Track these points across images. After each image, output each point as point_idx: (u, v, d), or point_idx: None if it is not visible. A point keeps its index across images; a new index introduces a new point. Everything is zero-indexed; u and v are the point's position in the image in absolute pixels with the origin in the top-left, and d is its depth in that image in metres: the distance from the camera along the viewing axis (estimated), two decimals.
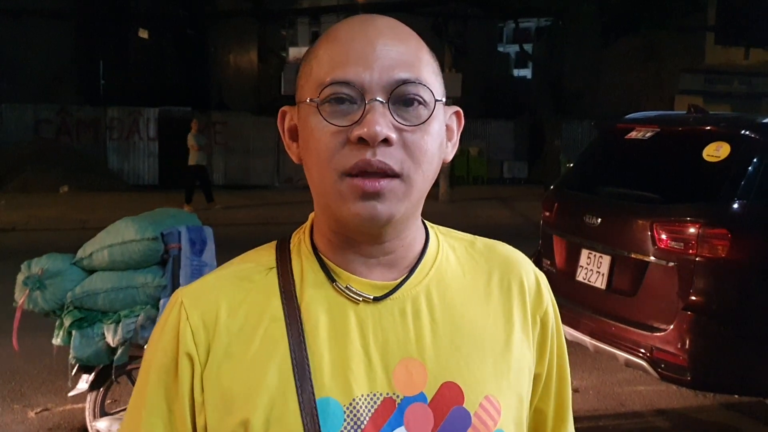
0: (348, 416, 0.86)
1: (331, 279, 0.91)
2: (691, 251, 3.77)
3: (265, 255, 0.96)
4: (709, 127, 4.23)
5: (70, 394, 3.79)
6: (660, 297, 3.92)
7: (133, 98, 19.39)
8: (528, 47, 29.62)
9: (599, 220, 4.32)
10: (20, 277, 3.41)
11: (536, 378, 1.01)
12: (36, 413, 4.46)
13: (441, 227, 1.02)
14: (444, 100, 0.91)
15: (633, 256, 4.07)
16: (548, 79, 20.10)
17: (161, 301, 3.40)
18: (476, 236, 1.04)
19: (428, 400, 0.88)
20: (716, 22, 19.93)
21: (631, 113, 5.05)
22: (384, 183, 0.83)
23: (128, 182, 17.74)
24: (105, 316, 3.41)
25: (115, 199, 14.25)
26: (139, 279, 3.39)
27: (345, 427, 0.85)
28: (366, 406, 0.86)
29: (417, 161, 0.85)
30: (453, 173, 17.68)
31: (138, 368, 3.43)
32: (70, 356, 3.44)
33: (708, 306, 3.80)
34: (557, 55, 20.85)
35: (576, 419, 1.10)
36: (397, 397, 0.87)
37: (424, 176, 0.87)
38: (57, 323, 3.46)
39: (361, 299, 0.90)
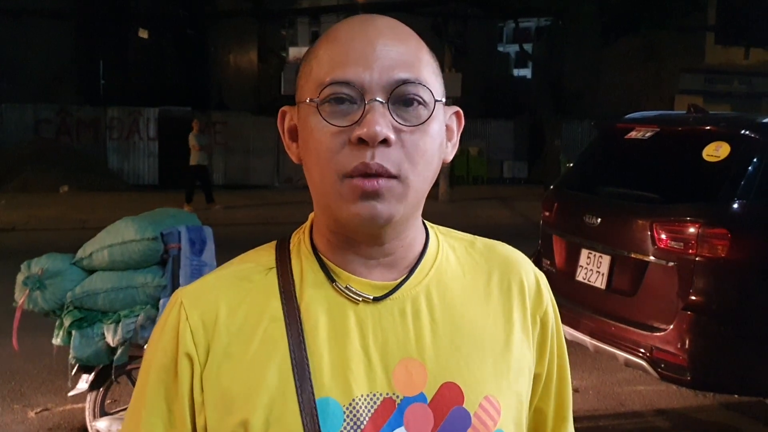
0: (348, 416, 0.86)
1: (331, 279, 0.91)
2: (690, 251, 3.77)
3: (264, 255, 0.96)
4: (709, 127, 4.23)
5: (70, 393, 3.79)
6: (660, 297, 3.92)
7: (133, 98, 19.39)
8: (528, 47, 29.61)
9: (599, 220, 4.32)
10: (20, 277, 3.41)
11: (536, 378, 1.01)
12: (36, 413, 4.46)
13: (441, 227, 1.02)
14: (444, 100, 0.91)
15: (633, 256, 4.07)
16: (548, 79, 20.09)
17: (161, 301, 3.40)
18: (476, 236, 1.04)
19: (428, 401, 0.88)
20: (716, 21, 19.95)
21: (631, 113, 5.05)
22: (382, 182, 0.83)
23: (128, 182, 17.74)
24: (105, 316, 3.41)
25: (115, 199, 14.25)
26: (139, 279, 3.39)
27: (345, 428, 0.85)
28: (366, 407, 0.86)
29: (415, 162, 0.85)
30: (453, 173, 17.68)
31: (138, 368, 3.43)
32: (70, 356, 3.44)
33: (708, 306, 3.80)
34: (557, 55, 20.84)
35: (576, 419, 1.10)
36: (397, 397, 0.87)
37: (423, 177, 0.87)
38: (57, 323, 3.46)
39: (360, 299, 0.90)
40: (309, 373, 0.86)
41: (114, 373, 3.52)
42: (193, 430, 0.90)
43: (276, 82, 21.87)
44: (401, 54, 0.86)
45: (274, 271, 0.93)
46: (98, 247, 3.41)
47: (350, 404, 0.86)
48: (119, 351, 3.42)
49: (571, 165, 6.18)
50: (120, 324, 3.38)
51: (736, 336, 3.87)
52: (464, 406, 0.89)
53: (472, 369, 0.91)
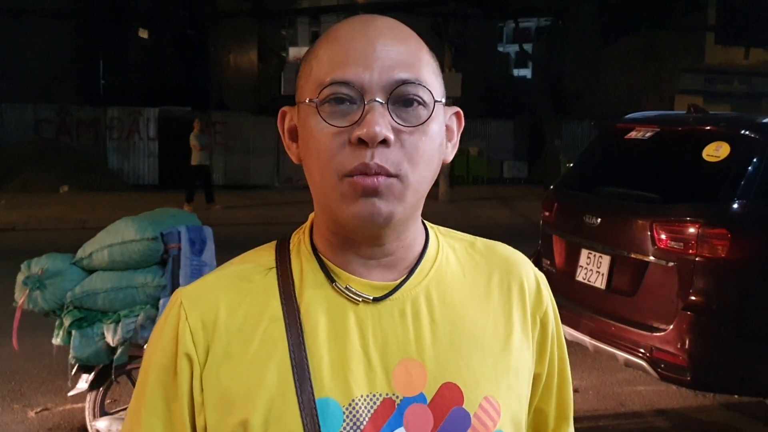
0: (347, 417, 0.86)
1: (331, 279, 0.91)
2: (690, 251, 3.77)
3: (264, 255, 0.96)
4: (708, 127, 4.23)
5: (70, 393, 3.79)
6: (660, 297, 3.92)
7: (133, 98, 19.39)
8: (528, 47, 29.61)
9: (599, 220, 4.32)
10: (20, 277, 3.41)
11: (536, 378, 1.01)
12: (36, 413, 4.46)
13: (441, 228, 1.02)
14: (444, 100, 0.90)
15: (633, 256, 4.07)
16: (548, 79, 20.09)
17: (161, 301, 3.40)
18: (476, 237, 1.04)
19: (428, 401, 0.88)
20: (716, 22, 19.96)
21: (631, 113, 5.05)
22: (382, 180, 0.83)
23: (128, 182, 17.74)
24: (105, 316, 3.41)
25: (115, 199, 14.25)
26: (139, 279, 3.39)
27: (344, 428, 0.85)
28: (365, 407, 0.86)
29: (414, 162, 0.85)
30: (453, 173, 17.68)
31: (138, 368, 3.44)
32: (70, 356, 3.44)
33: (708, 306, 3.80)
34: (557, 55, 20.84)
35: (576, 419, 1.10)
36: (397, 397, 0.87)
37: (422, 177, 0.87)
38: (57, 323, 3.46)
39: (360, 300, 0.90)
40: (309, 373, 0.86)
41: (114, 372, 3.52)
42: (193, 430, 0.90)
43: (276, 82, 21.88)
44: (401, 54, 0.86)
45: (274, 271, 0.94)
46: (98, 247, 3.41)
47: (350, 404, 0.86)
48: (119, 351, 3.42)
49: (571, 165, 6.18)
50: (120, 324, 3.38)
51: (736, 336, 3.87)
52: (464, 406, 0.89)
53: (471, 369, 0.91)
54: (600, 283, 4.25)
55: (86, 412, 3.78)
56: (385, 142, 0.83)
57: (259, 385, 0.86)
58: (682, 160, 4.20)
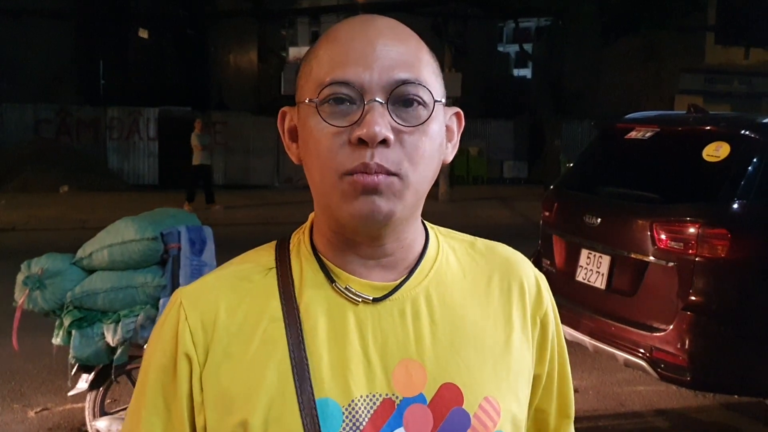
0: (347, 417, 0.86)
1: (331, 280, 0.91)
2: (690, 251, 3.77)
3: (264, 255, 0.96)
4: (708, 127, 4.23)
5: (70, 393, 3.79)
6: (660, 297, 3.92)
7: (133, 98, 19.39)
8: (528, 47, 29.60)
9: (599, 220, 4.32)
10: (20, 277, 3.41)
11: (536, 379, 1.01)
12: (36, 413, 4.46)
13: (441, 228, 1.02)
14: (444, 100, 0.90)
15: (633, 256, 4.07)
16: (548, 79, 20.09)
17: (161, 301, 3.40)
18: (476, 237, 1.04)
19: (427, 401, 0.88)
20: (716, 21, 19.95)
21: (631, 113, 5.05)
22: (382, 177, 0.83)
23: (128, 182, 17.74)
24: (105, 316, 3.41)
25: (115, 199, 14.25)
26: (139, 279, 3.39)
27: (344, 428, 0.85)
28: (365, 407, 0.86)
29: (415, 162, 0.85)
30: (453, 173, 17.68)
31: (137, 368, 3.43)
32: (70, 356, 3.44)
33: (708, 306, 3.80)
34: (557, 55, 20.83)
35: (576, 419, 1.11)
36: (397, 398, 0.87)
37: (422, 177, 0.87)
38: (57, 323, 3.46)
39: (360, 300, 0.90)
40: (309, 373, 0.86)
41: (114, 372, 3.52)
42: (193, 430, 0.90)
43: (276, 82, 21.88)
44: (401, 54, 0.86)
45: (274, 271, 0.94)
46: (98, 246, 3.41)
47: (349, 405, 0.86)
48: (119, 351, 3.42)
49: (571, 165, 6.18)
50: (120, 324, 3.37)
51: (736, 336, 3.87)
52: (464, 407, 0.89)
53: (471, 370, 0.91)
54: (600, 283, 4.25)
55: (86, 412, 3.78)
56: (385, 142, 0.83)
57: (259, 386, 0.86)
58: (682, 160, 4.20)
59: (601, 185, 4.74)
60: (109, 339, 3.39)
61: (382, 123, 0.83)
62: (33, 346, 4.36)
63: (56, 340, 3.45)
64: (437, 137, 0.89)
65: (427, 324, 0.91)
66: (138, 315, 3.39)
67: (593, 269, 4.32)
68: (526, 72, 39.67)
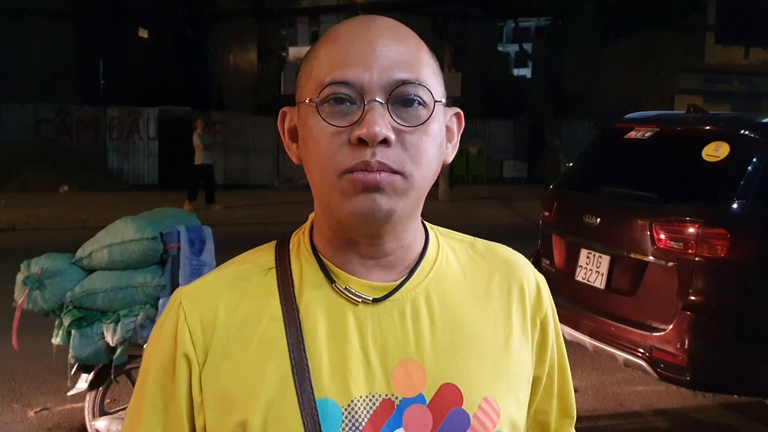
0: (346, 417, 0.86)
1: (331, 280, 0.91)
2: (690, 251, 3.77)
3: (264, 255, 0.96)
4: (708, 127, 4.23)
5: (70, 393, 3.79)
6: (659, 297, 3.92)
7: (133, 98, 19.39)
8: (528, 47, 29.61)
9: (598, 219, 4.32)
10: (20, 277, 3.41)
11: (536, 380, 1.01)
12: (35, 412, 4.46)
13: (441, 228, 1.02)
14: (444, 101, 0.91)
15: (632, 256, 4.07)
16: (548, 78, 20.08)
17: (160, 301, 3.40)
18: (476, 238, 1.04)
19: (427, 402, 0.88)
20: (716, 21, 19.94)
21: (630, 113, 5.05)
22: (384, 176, 0.83)
23: (128, 182, 17.73)
24: (104, 316, 3.41)
25: (115, 199, 14.25)
26: (139, 279, 3.39)
27: (343, 428, 0.85)
28: (365, 408, 0.86)
29: (416, 161, 0.85)
30: (453, 173, 17.68)
31: (137, 367, 3.43)
32: (70, 355, 3.44)
33: (707, 306, 3.80)
34: (557, 55, 20.83)
35: (576, 419, 1.11)
36: (396, 398, 0.87)
37: (424, 176, 0.87)
38: (56, 323, 3.46)
39: (360, 300, 0.90)
40: (308, 373, 0.86)
41: (113, 372, 3.52)
42: (192, 430, 0.90)
43: (276, 82, 21.87)
44: (401, 54, 0.86)
45: (274, 271, 0.94)
46: (98, 246, 3.41)
47: (349, 405, 0.86)
48: (118, 350, 3.42)
49: (571, 165, 6.18)
50: (119, 323, 3.38)
51: (735, 336, 3.87)
52: (463, 407, 0.89)
53: (471, 370, 0.91)
54: (599, 283, 4.25)
55: (86, 412, 3.78)
56: (385, 141, 0.83)
57: (259, 386, 0.86)
58: (681, 160, 4.20)
59: (600, 185, 4.74)
60: (109, 339, 3.39)
61: (382, 123, 0.83)
62: (33, 346, 4.36)
63: (56, 340, 3.45)
64: (438, 137, 0.89)
65: (427, 324, 0.91)
66: (137, 315, 3.39)
67: (593, 269, 4.32)
68: (526, 72, 39.68)
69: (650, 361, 3.87)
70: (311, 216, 0.97)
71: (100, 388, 3.71)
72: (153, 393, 0.91)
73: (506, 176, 21.58)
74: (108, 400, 3.91)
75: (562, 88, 18.87)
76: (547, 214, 4.95)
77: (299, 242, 0.96)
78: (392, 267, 0.93)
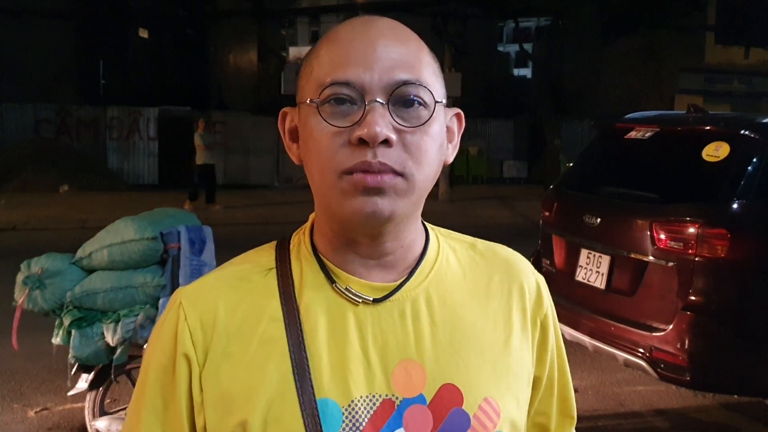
0: (347, 418, 0.86)
1: (331, 280, 0.91)
2: (690, 251, 3.77)
3: (264, 255, 0.96)
4: (708, 127, 4.23)
5: (70, 393, 3.79)
6: (659, 297, 3.92)
7: (133, 98, 19.39)
8: (528, 47, 29.61)
9: (599, 219, 4.32)
10: (20, 277, 3.41)
11: (536, 381, 1.01)
12: (36, 412, 4.46)
13: (441, 229, 1.03)
14: (444, 101, 0.91)
15: (632, 255, 4.07)
16: (548, 78, 20.08)
17: (160, 301, 3.40)
18: (476, 238, 1.04)
19: (427, 402, 0.88)
20: (716, 21, 19.93)
21: (630, 113, 5.05)
22: (387, 178, 0.83)
23: (128, 182, 17.73)
24: (104, 316, 3.41)
25: (115, 199, 14.25)
26: (139, 279, 3.39)
27: (343, 429, 0.85)
28: (365, 408, 0.86)
29: (417, 161, 0.85)
30: (453, 173, 17.68)
31: (137, 368, 3.44)
32: (70, 355, 3.44)
33: (707, 306, 3.80)
34: (557, 55, 20.83)
35: (576, 420, 1.11)
36: (396, 398, 0.87)
37: (425, 177, 0.87)
38: (56, 323, 3.46)
39: (360, 301, 0.90)
40: (309, 373, 0.86)
41: (113, 372, 3.52)
42: (192, 430, 0.90)
43: (276, 82, 21.88)
44: (402, 55, 0.86)
45: (274, 271, 0.94)
46: (98, 246, 3.41)
47: (349, 405, 0.86)
48: (119, 350, 3.42)
49: (571, 165, 6.18)
50: (119, 323, 3.38)
51: (735, 336, 3.87)
52: (463, 407, 0.89)
53: (471, 371, 0.91)
54: (599, 283, 4.25)
55: (86, 412, 3.78)
56: (386, 142, 0.83)
57: (259, 386, 0.86)
58: (681, 160, 4.20)
59: (600, 185, 4.74)
60: (109, 339, 3.39)
61: (382, 123, 0.83)
62: (33, 346, 4.35)
63: (56, 340, 3.45)
64: (438, 138, 0.89)
65: (427, 325, 0.91)
66: (138, 315, 3.39)
67: (593, 269, 4.32)
68: (526, 72, 39.69)
69: (650, 361, 3.87)
70: (311, 216, 0.97)
71: (100, 388, 3.71)
72: (153, 393, 0.91)
73: (506, 176, 21.58)
74: (108, 400, 3.91)
75: (562, 88, 18.87)
76: (547, 214, 4.95)
77: (299, 242, 0.96)
78: (392, 267, 0.93)
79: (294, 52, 40.00)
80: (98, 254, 3.40)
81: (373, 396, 0.87)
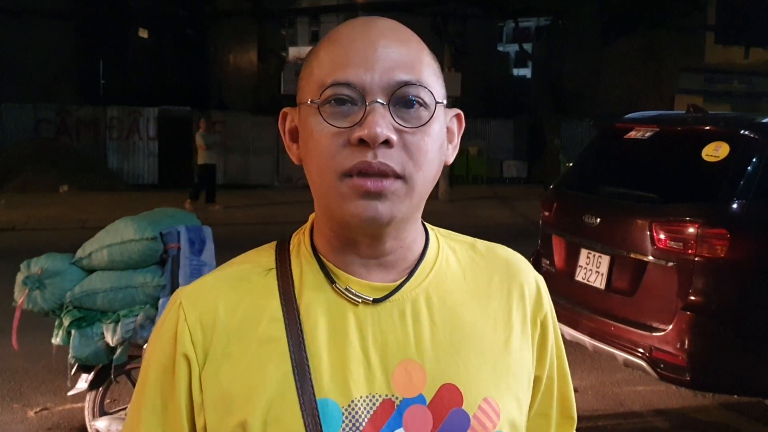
0: (347, 418, 0.86)
1: (331, 280, 0.91)
2: (690, 251, 3.77)
3: (264, 256, 0.96)
4: (708, 127, 4.23)
5: (70, 393, 3.79)
6: (659, 297, 3.92)
7: (133, 98, 19.38)
8: (528, 47, 29.61)
9: (598, 219, 4.32)
10: (20, 277, 3.41)
11: (536, 381, 1.01)
12: (35, 412, 4.46)
13: (441, 229, 1.03)
14: (445, 102, 0.91)
15: (632, 255, 4.07)
16: (548, 78, 20.08)
17: (160, 301, 3.40)
18: (476, 239, 1.05)
19: (427, 402, 0.88)
20: (716, 21, 19.92)
21: (630, 113, 5.05)
22: (387, 183, 0.83)
23: (128, 182, 17.73)
24: (104, 316, 3.41)
25: (115, 199, 14.25)
26: (138, 279, 3.39)
27: (343, 429, 0.85)
28: (365, 408, 0.86)
29: (418, 163, 0.85)
30: (453, 173, 17.68)
31: (137, 368, 3.44)
32: (70, 356, 3.44)
33: (707, 306, 3.80)
34: (557, 55, 20.83)
35: (576, 420, 1.11)
36: (396, 398, 0.88)
37: (425, 178, 0.87)
38: (56, 323, 3.46)
39: (360, 301, 0.90)
40: (309, 374, 0.86)
41: (113, 372, 3.52)
42: (192, 430, 0.90)
43: (276, 82, 21.88)
44: (402, 56, 0.86)
45: (274, 272, 0.94)
46: (97, 246, 3.41)
47: (349, 405, 0.86)
48: (118, 350, 3.42)
49: (571, 165, 6.18)
50: (119, 324, 3.38)
51: (735, 336, 3.87)
52: (463, 407, 0.89)
53: (471, 371, 0.91)
54: (599, 283, 4.26)
55: (86, 412, 3.78)
56: (387, 142, 0.83)
57: (259, 386, 0.87)
58: (681, 160, 4.20)
59: (600, 185, 4.74)
60: (109, 339, 3.39)
61: (383, 124, 0.83)
62: (33, 346, 4.36)
63: (56, 340, 3.45)
64: (438, 138, 0.89)
65: (427, 325, 0.91)
66: (137, 315, 3.39)
67: (593, 269, 4.32)
68: (525, 72, 39.68)
69: (650, 361, 3.87)
70: (311, 216, 0.97)
71: (100, 388, 3.71)
72: (153, 393, 0.91)
73: (506, 176, 21.58)
74: (108, 400, 3.91)
75: (562, 88, 18.87)
76: (547, 214, 4.95)
77: (299, 243, 0.96)
78: (392, 267, 0.93)
79: (294, 52, 40.01)
80: (98, 254, 3.40)
81: (373, 396, 0.87)
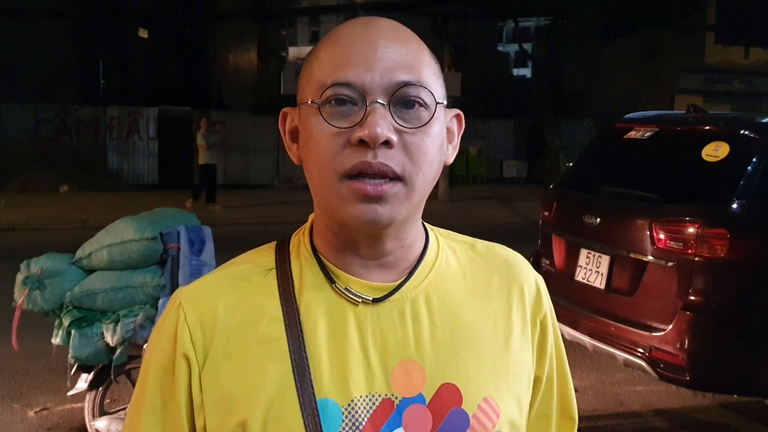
0: (346, 417, 0.86)
1: (331, 280, 0.91)
2: (690, 251, 3.77)
3: (264, 256, 0.96)
4: (708, 127, 4.23)
5: (70, 393, 3.79)
6: (659, 297, 3.92)
7: (133, 98, 19.39)
8: (528, 47, 29.62)
9: (598, 219, 4.32)
10: (19, 277, 3.41)
11: (536, 381, 1.01)
12: (35, 412, 4.46)
13: (441, 230, 1.03)
14: (445, 102, 0.91)
15: (632, 255, 4.07)
16: (548, 78, 20.07)
17: (160, 301, 3.40)
18: (476, 239, 1.05)
19: (427, 402, 0.88)
20: (716, 21, 19.93)
21: (630, 113, 5.05)
22: (387, 187, 0.83)
23: (128, 182, 17.73)
24: (104, 316, 3.41)
25: (115, 199, 14.25)
26: (138, 279, 3.39)
27: (343, 428, 0.85)
28: (364, 408, 0.86)
29: (418, 163, 0.85)
30: (452, 173, 17.68)
31: (137, 368, 3.44)
32: (69, 356, 3.44)
33: (707, 306, 3.80)
34: (557, 55, 20.84)
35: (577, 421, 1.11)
36: (396, 398, 0.88)
37: (425, 178, 0.87)
38: (56, 323, 3.46)
39: (360, 301, 0.90)
40: (309, 373, 0.86)
41: (113, 372, 3.52)
42: (192, 430, 0.90)
43: (276, 81, 21.87)
44: (402, 56, 0.86)
45: (274, 272, 0.94)
46: (97, 246, 3.41)
47: (349, 405, 0.86)
48: (118, 350, 3.42)
49: (571, 165, 6.18)
50: (119, 324, 3.38)
51: (735, 336, 3.87)
52: (463, 407, 0.89)
53: (470, 371, 0.91)
54: (599, 282, 4.26)
55: (85, 412, 3.78)
56: (387, 143, 0.83)
57: (259, 386, 0.87)
58: (681, 160, 4.20)
59: (600, 185, 4.74)
60: (109, 339, 3.39)
61: (383, 124, 0.83)
62: (33, 346, 4.36)
63: (56, 340, 3.45)
64: (438, 138, 0.89)
65: (427, 325, 0.91)
66: (137, 315, 3.39)
67: (593, 269, 4.32)
68: (525, 72, 39.68)
69: (650, 361, 3.87)
70: (311, 216, 0.97)
71: (100, 388, 3.71)
72: (153, 393, 0.91)
73: (506, 176, 21.58)
74: (108, 400, 3.91)
75: (562, 88, 18.88)
76: (547, 214, 4.95)
77: (299, 243, 0.96)
78: (392, 267, 0.93)
79: (294, 52, 40.01)
80: (98, 254, 3.40)
81: (373, 396, 0.87)
